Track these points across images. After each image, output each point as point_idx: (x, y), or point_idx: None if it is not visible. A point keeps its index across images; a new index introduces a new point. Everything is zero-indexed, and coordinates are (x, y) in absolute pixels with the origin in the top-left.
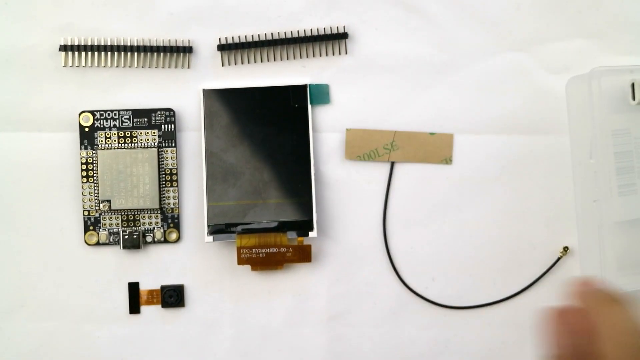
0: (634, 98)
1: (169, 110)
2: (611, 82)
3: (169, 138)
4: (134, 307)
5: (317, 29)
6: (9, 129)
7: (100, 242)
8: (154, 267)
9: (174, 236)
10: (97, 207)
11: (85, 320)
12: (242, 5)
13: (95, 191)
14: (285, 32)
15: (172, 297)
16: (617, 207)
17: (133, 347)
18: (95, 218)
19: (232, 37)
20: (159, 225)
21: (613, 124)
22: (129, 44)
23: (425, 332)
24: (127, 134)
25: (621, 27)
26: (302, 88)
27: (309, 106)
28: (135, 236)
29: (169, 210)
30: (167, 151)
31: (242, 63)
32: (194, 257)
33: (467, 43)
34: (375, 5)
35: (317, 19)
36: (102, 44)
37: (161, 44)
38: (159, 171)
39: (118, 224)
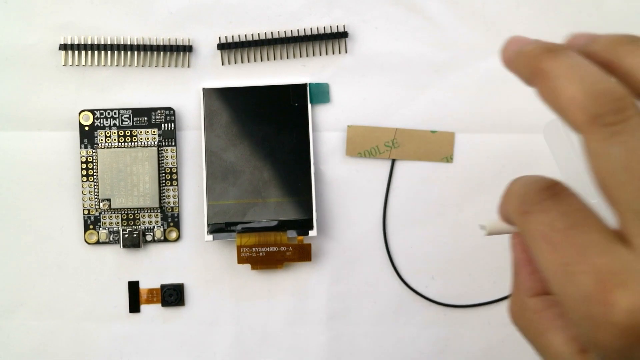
0: None
1: (169, 109)
2: None
3: (169, 137)
4: (134, 306)
5: (317, 28)
6: (9, 128)
7: (100, 241)
8: (154, 266)
9: (173, 235)
10: (97, 206)
11: (85, 319)
12: (242, 4)
13: (95, 190)
14: (285, 31)
15: (172, 296)
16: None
17: (133, 346)
18: (95, 217)
19: (232, 36)
20: (159, 224)
21: None
22: (128, 43)
23: (425, 330)
24: (127, 132)
25: (621, 26)
26: (302, 87)
27: (309, 105)
28: (135, 235)
29: (169, 209)
30: (167, 150)
31: (242, 62)
32: (194, 256)
33: (467, 42)
34: (375, 5)
35: (317, 18)
36: (102, 42)
37: (161, 43)
38: (159, 170)
39: (118, 222)
